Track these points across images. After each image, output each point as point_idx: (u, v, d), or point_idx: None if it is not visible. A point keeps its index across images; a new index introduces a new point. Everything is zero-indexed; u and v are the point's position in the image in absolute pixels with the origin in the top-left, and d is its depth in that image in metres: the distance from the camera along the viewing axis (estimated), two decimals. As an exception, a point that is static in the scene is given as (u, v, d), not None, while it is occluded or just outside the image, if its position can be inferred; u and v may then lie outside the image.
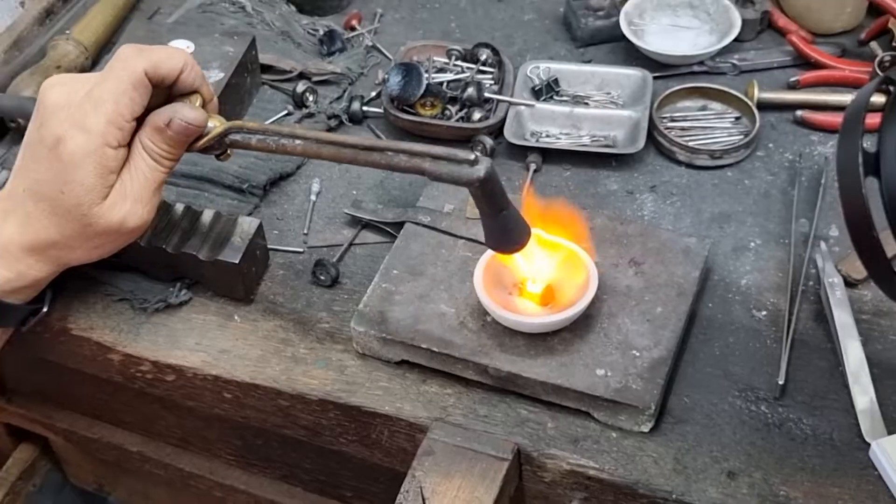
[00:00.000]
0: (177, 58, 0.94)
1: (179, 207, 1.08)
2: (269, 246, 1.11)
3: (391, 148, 0.89)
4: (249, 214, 1.15)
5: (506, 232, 0.91)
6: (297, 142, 0.93)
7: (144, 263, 1.09)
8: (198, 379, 1.04)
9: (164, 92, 0.95)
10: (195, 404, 1.09)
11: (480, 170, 0.85)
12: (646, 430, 0.93)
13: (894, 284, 0.81)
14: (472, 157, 0.85)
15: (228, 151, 0.98)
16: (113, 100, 0.91)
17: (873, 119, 0.84)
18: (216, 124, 0.96)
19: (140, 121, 0.94)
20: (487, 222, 0.90)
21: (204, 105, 0.97)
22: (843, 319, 0.99)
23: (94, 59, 1.37)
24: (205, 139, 0.96)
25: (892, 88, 0.84)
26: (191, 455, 1.29)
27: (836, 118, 1.17)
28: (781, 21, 1.33)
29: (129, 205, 0.93)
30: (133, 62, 0.91)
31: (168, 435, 1.27)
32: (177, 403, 1.12)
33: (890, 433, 0.91)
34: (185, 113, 0.94)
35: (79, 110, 0.91)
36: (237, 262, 1.04)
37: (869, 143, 0.82)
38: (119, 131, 0.91)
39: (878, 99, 0.98)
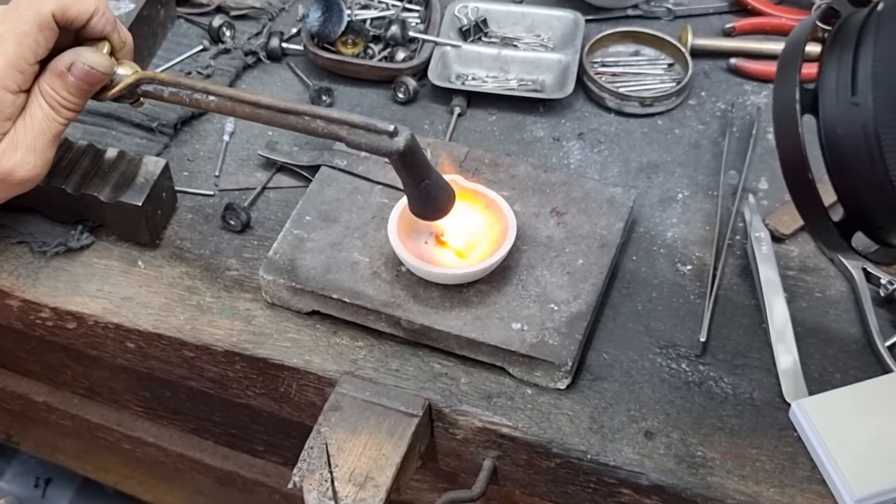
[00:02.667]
0: (88, 1, 0.88)
1: (82, 145, 1.03)
2: (177, 188, 1.06)
3: (308, 112, 0.85)
4: (159, 154, 1.11)
5: (429, 200, 0.88)
6: (211, 98, 0.89)
7: (44, 205, 1.04)
8: (99, 327, 1.00)
9: (70, 36, 0.90)
10: (99, 354, 1.05)
11: (400, 142, 0.82)
12: (562, 387, 0.90)
13: (826, 228, 0.78)
14: (392, 128, 0.82)
15: (142, 100, 0.94)
16: (15, 40, 0.85)
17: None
18: (128, 73, 0.91)
19: (44, 67, 0.89)
20: (410, 191, 0.88)
21: (114, 53, 0.92)
22: (768, 275, 0.96)
23: None
24: (115, 89, 0.92)
25: (833, 21, 0.80)
26: (98, 406, 1.26)
27: (771, 67, 1.14)
28: (719, -35, 1.29)
29: (19, 155, 0.88)
30: (41, 1, 0.86)
31: (74, 385, 1.24)
32: (81, 352, 1.07)
33: (811, 394, 0.89)
34: (87, 56, 0.89)
35: None
36: (140, 204, 0.99)
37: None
38: (20, 74, 0.87)
39: (815, 49, 0.94)
